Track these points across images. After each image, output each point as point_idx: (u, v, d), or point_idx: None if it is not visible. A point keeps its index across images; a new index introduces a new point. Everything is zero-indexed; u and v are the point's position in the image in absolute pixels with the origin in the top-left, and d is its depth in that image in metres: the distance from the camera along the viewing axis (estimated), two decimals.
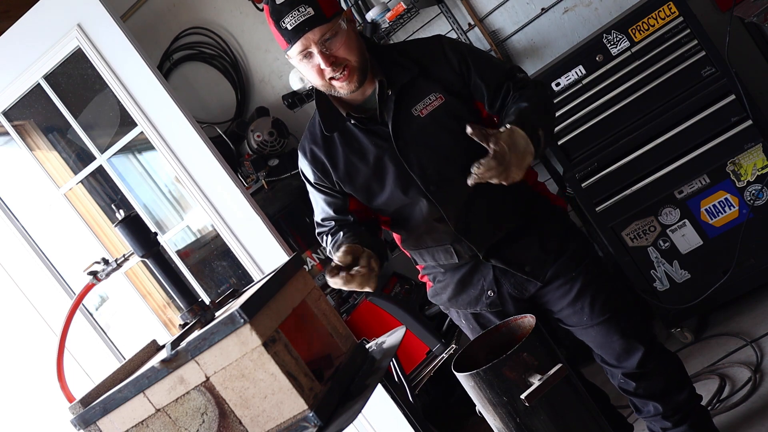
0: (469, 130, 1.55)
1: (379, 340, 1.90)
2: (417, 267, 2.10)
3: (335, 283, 1.69)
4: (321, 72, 1.75)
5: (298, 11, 1.69)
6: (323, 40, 1.71)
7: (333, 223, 1.93)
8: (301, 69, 1.79)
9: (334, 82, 1.76)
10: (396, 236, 2.03)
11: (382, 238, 1.95)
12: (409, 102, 1.81)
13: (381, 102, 1.81)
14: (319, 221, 1.98)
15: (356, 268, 1.66)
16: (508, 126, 1.61)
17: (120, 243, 3.12)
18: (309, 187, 1.98)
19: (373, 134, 1.83)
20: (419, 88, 1.81)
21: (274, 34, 1.77)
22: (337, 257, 1.69)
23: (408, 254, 2.07)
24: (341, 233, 1.87)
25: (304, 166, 1.95)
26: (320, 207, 1.96)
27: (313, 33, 1.69)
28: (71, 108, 2.99)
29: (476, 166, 1.56)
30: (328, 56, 1.72)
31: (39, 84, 2.96)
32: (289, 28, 1.70)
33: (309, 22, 1.69)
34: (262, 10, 3.53)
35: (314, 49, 1.71)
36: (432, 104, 1.81)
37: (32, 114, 3.22)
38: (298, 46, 1.72)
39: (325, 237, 1.95)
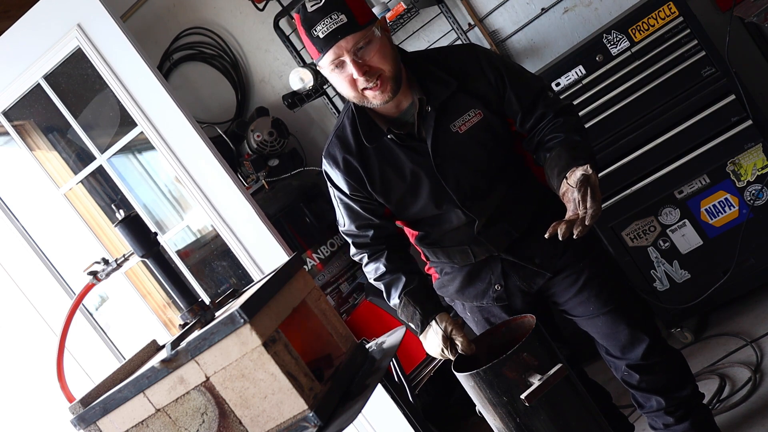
0: (553, 233, 1.54)
1: (379, 340, 1.90)
2: (424, 259, 2.09)
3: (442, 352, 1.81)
4: (353, 83, 1.70)
5: (331, 18, 1.64)
6: (356, 48, 1.66)
7: (372, 231, 1.89)
8: (333, 80, 1.74)
9: (366, 93, 1.71)
10: (410, 232, 2.00)
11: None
12: (449, 118, 1.79)
13: (420, 118, 1.78)
14: (354, 230, 1.92)
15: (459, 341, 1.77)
16: (581, 169, 1.56)
17: (120, 243, 3.12)
18: (340, 196, 1.92)
19: (411, 149, 1.80)
20: (458, 103, 1.78)
21: (305, 43, 1.73)
22: (461, 349, 1.77)
23: (419, 249, 2.05)
24: (402, 278, 1.87)
25: (335, 175, 1.89)
26: (355, 214, 1.91)
27: (346, 41, 1.65)
28: (71, 108, 2.99)
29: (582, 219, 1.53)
30: (361, 65, 1.67)
31: (39, 84, 2.95)
32: (321, 36, 1.65)
33: (341, 29, 1.64)
34: (262, 10, 3.53)
35: (347, 58, 1.66)
36: (471, 120, 1.78)
37: (32, 114, 3.22)
38: (330, 55, 1.67)
39: (368, 258, 1.92)
